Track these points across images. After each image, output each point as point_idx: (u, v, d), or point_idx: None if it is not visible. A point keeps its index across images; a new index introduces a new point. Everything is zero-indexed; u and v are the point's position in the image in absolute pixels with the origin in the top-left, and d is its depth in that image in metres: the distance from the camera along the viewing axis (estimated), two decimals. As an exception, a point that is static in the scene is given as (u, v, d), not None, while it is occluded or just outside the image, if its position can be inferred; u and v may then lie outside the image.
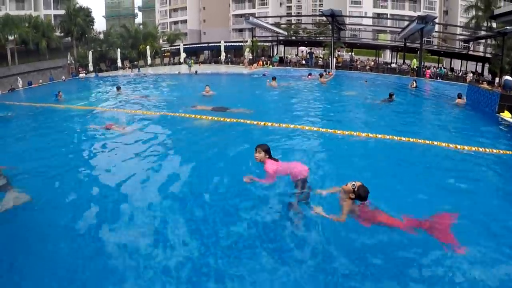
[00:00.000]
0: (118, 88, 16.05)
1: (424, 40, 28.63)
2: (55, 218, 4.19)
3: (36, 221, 4.19)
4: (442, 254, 3.25)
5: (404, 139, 6.99)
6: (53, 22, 36.35)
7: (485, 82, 21.53)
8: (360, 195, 3.68)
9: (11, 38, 30.92)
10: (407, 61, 31.52)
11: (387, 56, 39.40)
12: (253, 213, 4.00)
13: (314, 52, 36.15)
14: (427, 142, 6.88)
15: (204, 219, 4.01)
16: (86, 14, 35.53)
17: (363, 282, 3.00)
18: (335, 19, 28.59)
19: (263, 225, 3.82)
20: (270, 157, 4.46)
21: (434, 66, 32.29)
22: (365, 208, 3.75)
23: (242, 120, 8.54)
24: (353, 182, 3.72)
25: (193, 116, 9.31)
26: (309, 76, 19.40)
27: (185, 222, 3.94)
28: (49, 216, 4.28)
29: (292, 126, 8.01)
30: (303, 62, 32.00)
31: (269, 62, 31.12)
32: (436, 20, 31.93)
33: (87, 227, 3.95)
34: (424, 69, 27.17)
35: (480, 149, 6.48)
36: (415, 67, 27.96)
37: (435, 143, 6.80)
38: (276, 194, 4.30)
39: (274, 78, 15.88)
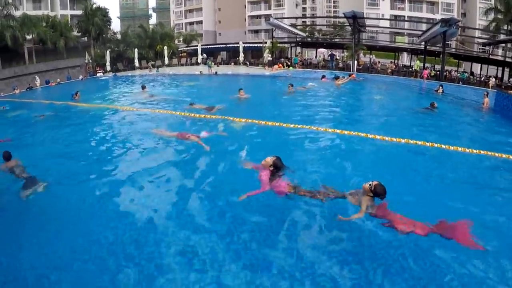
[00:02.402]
0: (143, 87, 16.01)
1: (444, 43, 28.18)
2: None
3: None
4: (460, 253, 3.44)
5: (444, 146, 7.11)
6: (69, 22, 36.36)
7: (514, 88, 21.10)
8: (377, 192, 3.96)
9: (29, 37, 30.88)
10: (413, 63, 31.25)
11: (404, 59, 38.96)
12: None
13: (335, 54, 35.66)
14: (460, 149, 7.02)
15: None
16: (103, 14, 35.39)
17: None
18: (356, 21, 28.22)
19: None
20: (273, 171, 4.66)
21: (455, 71, 31.78)
22: (383, 208, 3.97)
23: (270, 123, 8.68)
24: (370, 182, 4.05)
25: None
26: (323, 79, 18.39)
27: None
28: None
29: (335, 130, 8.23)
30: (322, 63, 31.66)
31: (290, 63, 30.78)
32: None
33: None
34: (421, 70, 26.78)
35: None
36: (418, 68, 27.73)
37: (474, 151, 6.86)
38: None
39: (291, 84, 14.93)
